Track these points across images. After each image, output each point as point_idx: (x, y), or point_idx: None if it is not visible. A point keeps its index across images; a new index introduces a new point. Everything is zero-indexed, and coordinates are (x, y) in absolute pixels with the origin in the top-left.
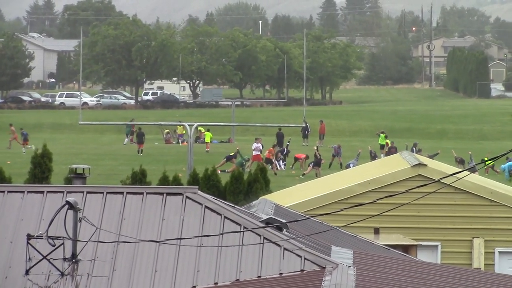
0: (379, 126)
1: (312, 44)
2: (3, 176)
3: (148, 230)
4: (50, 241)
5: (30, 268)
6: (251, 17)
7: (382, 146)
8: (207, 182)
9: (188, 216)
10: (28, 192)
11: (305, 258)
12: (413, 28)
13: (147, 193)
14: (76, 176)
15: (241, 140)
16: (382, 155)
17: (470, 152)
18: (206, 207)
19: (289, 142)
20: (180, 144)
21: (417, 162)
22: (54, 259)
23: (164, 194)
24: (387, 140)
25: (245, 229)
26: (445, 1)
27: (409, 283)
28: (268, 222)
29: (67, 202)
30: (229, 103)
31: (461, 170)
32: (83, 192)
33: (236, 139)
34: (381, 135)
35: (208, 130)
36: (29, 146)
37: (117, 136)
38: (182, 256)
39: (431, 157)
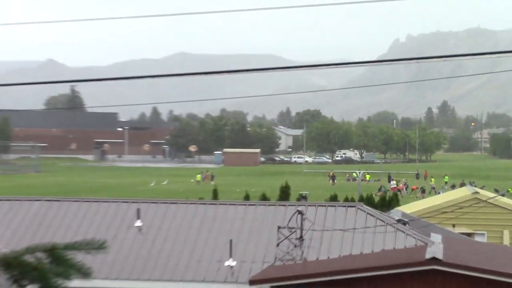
0: None
1: None
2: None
3: (337, 224)
4: (290, 230)
5: (279, 243)
6: None
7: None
8: (368, 201)
9: (359, 217)
10: (278, 205)
11: (417, 239)
12: None
13: (328, 205)
14: (301, 198)
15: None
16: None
17: None
18: (367, 213)
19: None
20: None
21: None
22: (290, 239)
23: (346, 207)
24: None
25: (387, 224)
26: None
27: (473, 250)
28: (399, 220)
29: (298, 211)
30: (378, 161)
31: None
32: (305, 205)
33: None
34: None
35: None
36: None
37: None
38: (357, 239)
39: None
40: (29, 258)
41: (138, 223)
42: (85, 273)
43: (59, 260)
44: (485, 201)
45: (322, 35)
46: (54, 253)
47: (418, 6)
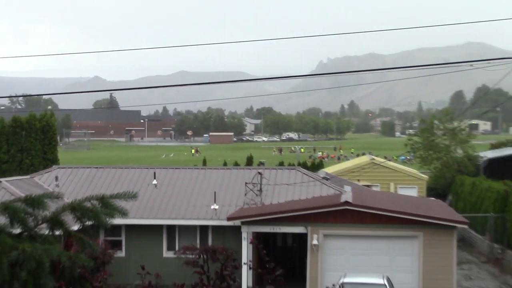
0: None
1: None
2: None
3: (283, 180)
4: (253, 184)
5: (246, 193)
6: None
7: None
8: (303, 165)
9: (297, 176)
10: (245, 169)
11: (335, 189)
12: None
13: (278, 169)
14: (260, 163)
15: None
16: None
17: None
18: (303, 173)
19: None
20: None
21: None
22: (253, 190)
23: (289, 169)
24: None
25: (315, 180)
26: None
27: (371, 196)
28: (323, 177)
29: (258, 172)
30: (310, 139)
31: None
32: (262, 169)
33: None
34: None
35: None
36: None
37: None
38: (296, 190)
39: None
40: (87, 204)
41: (154, 181)
42: (123, 214)
43: (106, 205)
44: (378, 164)
45: (272, 57)
46: (103, 200)
47: (335, 37)
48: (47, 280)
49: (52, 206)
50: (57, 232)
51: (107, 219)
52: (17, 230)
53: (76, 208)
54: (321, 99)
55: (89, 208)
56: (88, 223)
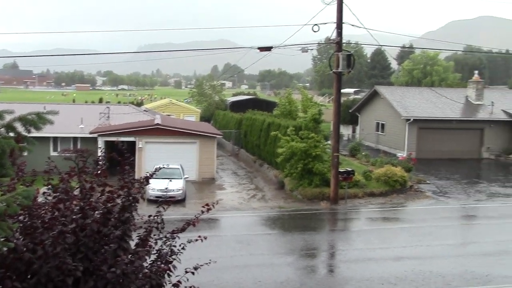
0: None
1: None
2: None
3: (123, 111)
4: (105, 113)
5: (100, 118)
6: None
7: None
8: (133, 104)
9: (131, 109)
10: (100, 105)
11: (150, 116)
12: None
13: (118, 105)
14: (107, 102)
15: None
16: None
17: None
18: (133, 108)
19: None
20: None
21: None
22: (105, 117)
23: (128, 106)
24: None
25: (140, 111)
26: None
27: (171, 120)
28: (144, 110)
29: (107, 106)
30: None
31: None
32: (110, 105)
33: None
34: None
35: None
36: None
37: None
38: (129, 117)
39: None
40: (28, 117)
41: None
42: (50, 122)
43: (40, 117)
44: (174, 103)
45: (120, 39)
46: (38, 114)
47: (151, 30)
48: (6, 160)
49: (7, 118)
50: (11, 134)
51: (41, 125)
52: None
53: (22, 119)
54: (141, 67)
55: (30, 119)
56: (29, 128)
